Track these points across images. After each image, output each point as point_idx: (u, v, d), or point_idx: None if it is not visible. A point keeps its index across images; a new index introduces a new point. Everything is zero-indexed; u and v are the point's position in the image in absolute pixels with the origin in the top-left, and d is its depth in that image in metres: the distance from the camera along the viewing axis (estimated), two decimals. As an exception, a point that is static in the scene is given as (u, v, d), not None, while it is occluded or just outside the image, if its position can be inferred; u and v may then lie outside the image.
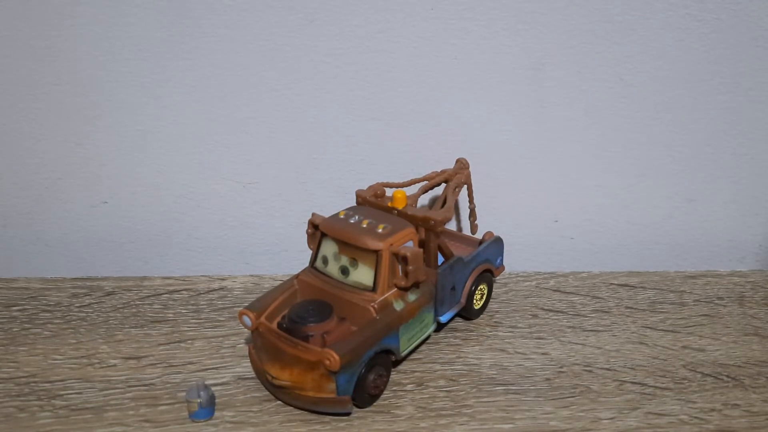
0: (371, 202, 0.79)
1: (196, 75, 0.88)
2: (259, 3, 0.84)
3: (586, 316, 0.84)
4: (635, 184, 0.96)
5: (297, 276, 0.75)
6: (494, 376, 0.74)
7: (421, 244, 0.76)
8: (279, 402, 0.70)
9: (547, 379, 0.73)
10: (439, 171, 0.85)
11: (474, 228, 0.89)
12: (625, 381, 0.73)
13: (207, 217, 0.97)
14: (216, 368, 0.74)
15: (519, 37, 0.86)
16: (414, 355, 0.77)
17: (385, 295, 0.70)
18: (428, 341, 0.79)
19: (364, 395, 0.68)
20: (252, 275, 0.93)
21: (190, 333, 0.80)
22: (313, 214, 0.76)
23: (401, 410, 0.69)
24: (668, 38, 0.86)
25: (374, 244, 0.70)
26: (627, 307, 0.86)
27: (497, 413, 0.68)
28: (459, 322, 0.83)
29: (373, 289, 0.70)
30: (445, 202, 0.80)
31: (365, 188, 0.82)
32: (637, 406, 0.70)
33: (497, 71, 0.88)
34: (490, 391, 0.72)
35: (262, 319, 0.70)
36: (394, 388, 0.72)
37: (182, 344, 0.78)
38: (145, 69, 0.87)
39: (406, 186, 0.84)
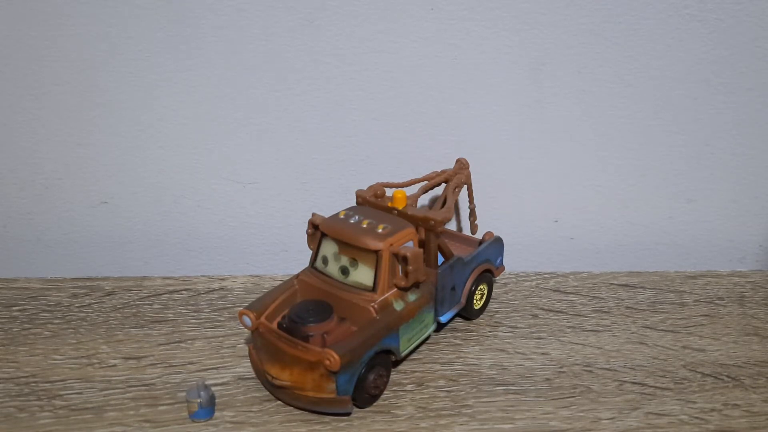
0: (371, 202, 0.79)
1: (196, 75, 0.88)
2: (259, 3, 0.84)
3: (586, 316, 0.84)
4: (635, 184, 0.96)
5: (297, 276, 0.75)
6: (494, 376, 0.74)
7: (421, 244, 0.76)
8: (279, 402, 0.70)
9: (547, 379, 0.73)
10: (439, 171, 0.85)
11: (474, 228, 0.89)
12: (625, 381, 0.73)
13: (207, 217, 0.97)
14: (216, 368, 0.74)
15: (519, 37, 0.86)
16: (414, 355, 0.77)
17: (385, 295, 0.70)
18: (428, 341, 0.79)
19: (364, 395, 0.68)
20: (252, 275, 0.93)
21: (190, 333, 0.80)
22: (313, 214, 0.76)
23: (401, 410, 0.69)
24: (668, 38, 0.86)
25: (374, 244, 0.69)
26: (627, 307, 0.86)
27: (497, 413, 0.68)
28: (459, 322, 0.83)
29: (373, 289, 0.70)
30: (445, 202, 0.80)
31: (365, 188, 0.82)
32: (637, 406, 0.70)
33: (497, 71, 0.88)
34: (490, 391, 0.72)
35: (262, 319, 0.70)
36: (394, 388, 0.72)
37: (182, 344, 0.78)
38: (145, 69, 0.87)
39: (406, 186, 0.84)
